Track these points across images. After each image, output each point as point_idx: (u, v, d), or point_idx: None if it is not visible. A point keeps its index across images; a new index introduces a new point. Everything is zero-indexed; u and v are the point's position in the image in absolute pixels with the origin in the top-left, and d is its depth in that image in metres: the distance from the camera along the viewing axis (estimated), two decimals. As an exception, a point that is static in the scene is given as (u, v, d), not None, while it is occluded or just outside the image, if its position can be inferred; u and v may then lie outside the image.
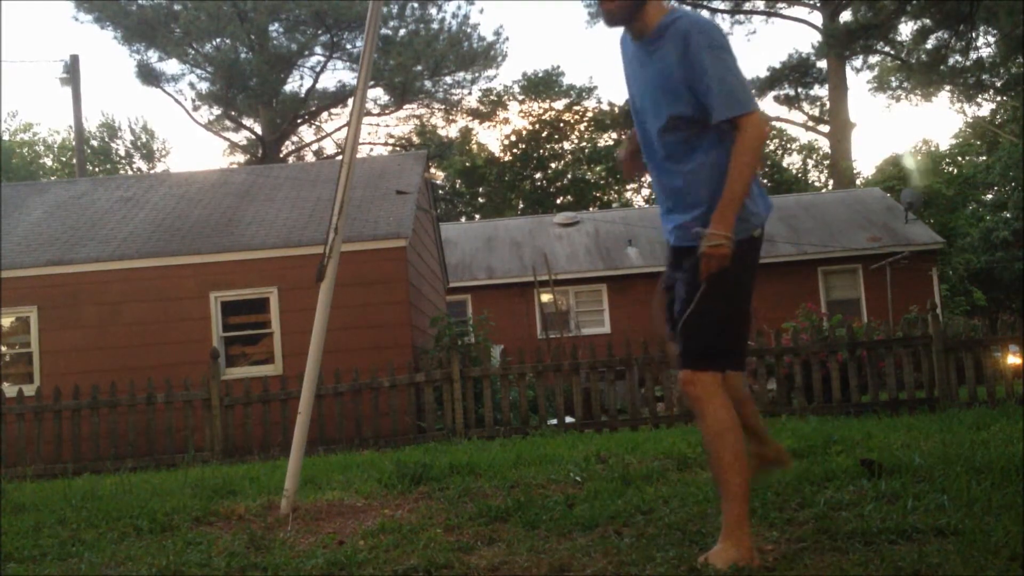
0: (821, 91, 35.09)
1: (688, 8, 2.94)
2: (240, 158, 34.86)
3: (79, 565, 3.45)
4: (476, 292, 19.11)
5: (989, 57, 26.52)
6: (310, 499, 4.67)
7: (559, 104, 37.29)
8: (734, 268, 2.65)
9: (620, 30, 2.89)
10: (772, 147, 39.11)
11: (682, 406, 9.26)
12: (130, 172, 36.35)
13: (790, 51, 56.82)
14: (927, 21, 23.83)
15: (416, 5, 30.48)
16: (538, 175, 37.00)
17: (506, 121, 37.21)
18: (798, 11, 34.16)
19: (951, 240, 23.05)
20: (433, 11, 30.76)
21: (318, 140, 35.65)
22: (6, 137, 37.05)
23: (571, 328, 18.47)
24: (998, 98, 32.74)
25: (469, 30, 31.27)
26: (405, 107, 33.51)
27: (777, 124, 38.72)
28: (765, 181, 34.35)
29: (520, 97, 37.11)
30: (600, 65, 68.08)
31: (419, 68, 30.30)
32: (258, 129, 32.39)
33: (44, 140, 39.99)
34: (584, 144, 37.15)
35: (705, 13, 34.61)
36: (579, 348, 9.91)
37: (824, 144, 36.57)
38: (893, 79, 34.36)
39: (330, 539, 3.64)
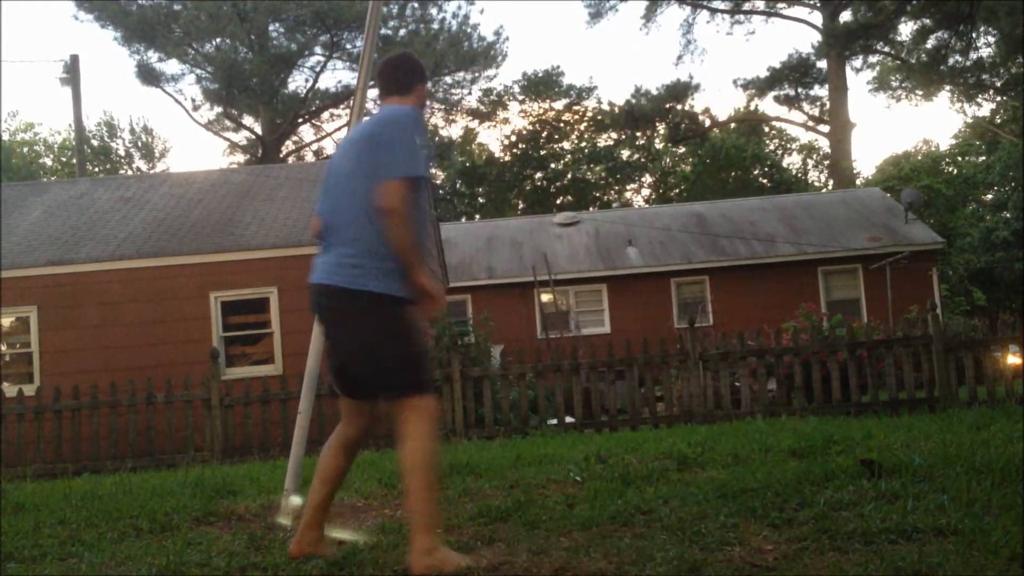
0: (821, 91, 35.08)
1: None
2: (240, 158, 34.85)
3: (79, 565, 3.45)
4: (476, 292, 19.10)
5: (989, 57, 26.55)
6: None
7: (559, 104, 37.28)
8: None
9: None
10: (772, 147, 39.08)
11: (682, 406, 9.27)
12: (130, 172, 36.32)
13: (790, 51, 56.80)
14: (927, 21, 23.86)
15: (416, 5, 30.51)
16: (538, 175, 36.96)
17: (506, 121, 37.21)
18: (798, 11, 34.20)
19: (951, 240, 23.05)
20: (433, 11, 30.81)
21: (318, 140, 35.67)
22: (6, 137, 37.03)
23: (571, 328, 18.45)
24: (998, 98, 32.74)
25: (469, 30, 31.32)
26: (405, 107, 33.43)
27: (777, 124, 38.74)
28: (765, 181, 34.43)
29: (520, 97, 37.08)
30: (600, 65, 68.02)
31: (419, 68, 30.24)
32: (258, 129, 32.39)
33: (44, 140, 39.94)
34: (584, 144, 37.12)
35: (705, 13, 34.69)
36: (579, 348, 9.90)
37: (824, 144, 36.55)
38: (893, 79, 34.37)
39: (330, 539, 3.63)
